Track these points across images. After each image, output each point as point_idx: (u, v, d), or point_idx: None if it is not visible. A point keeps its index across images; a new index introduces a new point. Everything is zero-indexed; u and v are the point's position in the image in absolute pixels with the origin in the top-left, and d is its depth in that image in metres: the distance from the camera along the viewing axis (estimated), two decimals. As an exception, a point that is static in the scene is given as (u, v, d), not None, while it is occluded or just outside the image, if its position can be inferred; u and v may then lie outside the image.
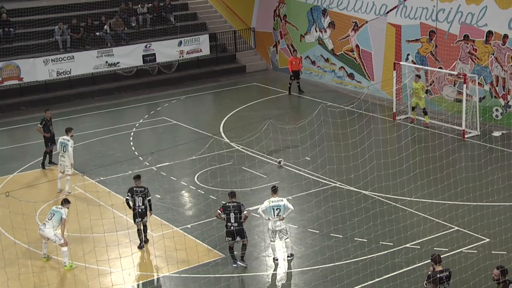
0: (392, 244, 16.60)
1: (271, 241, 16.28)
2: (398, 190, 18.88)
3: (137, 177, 17.44)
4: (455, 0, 26.20)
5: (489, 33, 25.22)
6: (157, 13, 35.44)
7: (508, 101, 25.06)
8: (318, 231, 17.48)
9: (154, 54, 33.34)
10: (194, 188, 20.65)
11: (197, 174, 21.37)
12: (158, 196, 20.04)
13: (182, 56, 34.12)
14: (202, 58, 34.78)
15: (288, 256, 16.37)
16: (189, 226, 18.24)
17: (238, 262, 16.09)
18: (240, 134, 23.52)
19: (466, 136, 24.10)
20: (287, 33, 34.43)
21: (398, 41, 28.63)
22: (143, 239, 17.27)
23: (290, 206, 16.08)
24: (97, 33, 32.82)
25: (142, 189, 17.11)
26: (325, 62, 32.42)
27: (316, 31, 32.55)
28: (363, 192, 19.46)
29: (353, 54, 30.87)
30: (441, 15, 26.81)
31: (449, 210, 18.08)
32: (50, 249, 16.71)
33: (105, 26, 33.02)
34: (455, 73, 25.70)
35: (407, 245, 16.56)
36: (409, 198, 18.86)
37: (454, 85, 26.54)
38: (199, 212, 19.05)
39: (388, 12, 28.95)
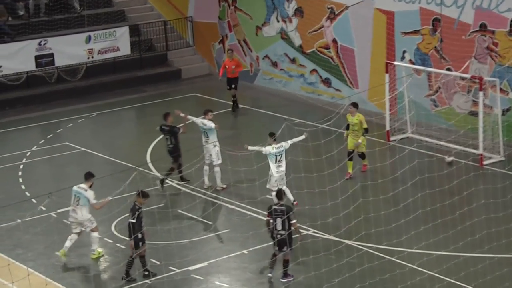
0: (387, 313, 16.74)
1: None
2: (394, 239, 19.00)
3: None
4: (467, -23, 26.71)
5: (514, 21, 25.77)
6: (55, -3, 35.34)
7: (541, 114, 25.56)
8: (285, 298, 17.55)
9: (51, 55, 33.15)
10: (111, 241, 20.48)
11: (115, 222, 21.21)
12: (59, 254, 19.84)
13: (92, 57, 34.02)
14: (120, 59, 34.77)
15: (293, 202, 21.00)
16: (104, 295, 18.14)
17: (281, 279, 17.96)
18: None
19: (485, 162, 24.47)
20: (237, 24, 34.63)
21: (391, 34, 29.01)
22: None
23: (286, 143, 20.95)
24: (-31, 26, 32.64)
25: None
26: (291, 63, 32.66)
27: (278, 21, 32.80)
28: (346, 241, 19.54)
29: (329, 52, 31.17)
30: (448, -2, 27.28)
31: (465, 266, 18.24)
32: None
33: (-19, 17, 32.82)
34: (469, 76, 26.07)
35: (409, 315, 16.72)
36: (409, 250, 18.98)
37: (468, 93, 26.93)
38: (118, 274, 18.89)
39: (376, -6, 29.40)
